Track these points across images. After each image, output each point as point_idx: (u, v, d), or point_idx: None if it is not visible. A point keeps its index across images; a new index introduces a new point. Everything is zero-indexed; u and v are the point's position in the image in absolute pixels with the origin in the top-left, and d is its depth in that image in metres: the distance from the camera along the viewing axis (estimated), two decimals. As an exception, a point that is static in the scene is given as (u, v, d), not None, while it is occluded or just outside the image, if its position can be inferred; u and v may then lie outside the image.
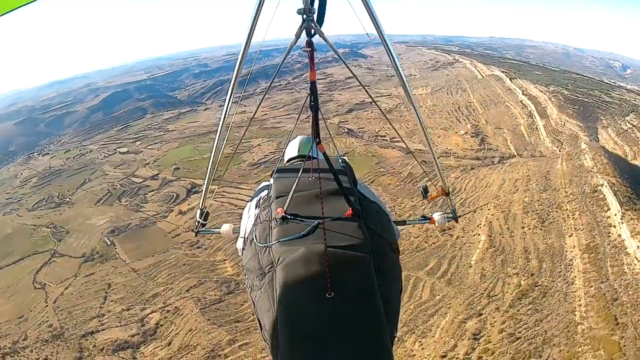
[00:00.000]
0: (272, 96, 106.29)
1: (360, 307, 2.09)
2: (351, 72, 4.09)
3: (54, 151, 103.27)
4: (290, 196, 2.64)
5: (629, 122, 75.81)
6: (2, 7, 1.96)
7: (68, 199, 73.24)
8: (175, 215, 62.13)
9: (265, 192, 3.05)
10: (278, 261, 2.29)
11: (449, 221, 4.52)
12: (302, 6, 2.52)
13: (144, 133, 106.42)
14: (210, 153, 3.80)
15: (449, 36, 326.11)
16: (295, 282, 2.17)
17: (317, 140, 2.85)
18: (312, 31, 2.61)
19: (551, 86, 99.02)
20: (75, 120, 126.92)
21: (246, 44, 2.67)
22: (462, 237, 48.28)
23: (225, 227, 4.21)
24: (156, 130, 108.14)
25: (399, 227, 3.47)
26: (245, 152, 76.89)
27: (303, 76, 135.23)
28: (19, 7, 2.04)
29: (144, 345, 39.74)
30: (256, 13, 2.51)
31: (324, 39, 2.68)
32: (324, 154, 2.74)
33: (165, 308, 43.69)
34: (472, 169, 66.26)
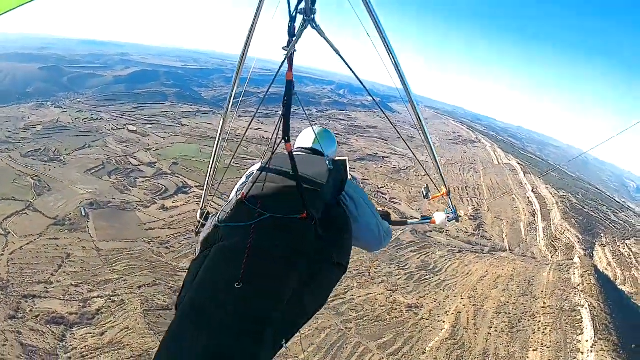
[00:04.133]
0: (291, 124, 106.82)
1: (255, 306, 2.11)
2: (354, 73, 3.66)
3: (67, 107, 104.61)
4: (252, 183, 2.73)
5: (628, 246, 74.82)
6: (2, 6, 1.98)
7: (62, 158, 73.32)
8: (157, 209, 61.34)
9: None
10: (217, 242, 2.43)
11: (449, 221, 4.55)
12: (302, 7, 2.53)
13: (158, 119, 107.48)
14: (213, 151, 3.90)
15: (479, 114, 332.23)
16: (217, 265, 2.29)
17: (286, 138, 2.68)
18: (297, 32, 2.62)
19: (562, 191, 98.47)
20: (98, 84, 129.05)
21: (245, 46, 2.78)
22: (427, 319, 46.77)
23: None
24: (170, 119, 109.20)
25: (400, 227, 3.77)
26: (246, 168, 76.00)
27: (328, 112, 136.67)
28: (19, 6, 2.06)
29: (78, 327, 38.41)
30: (256, 13, 2.64)
31: (325, 38, 2.76)
32: (290, 152, 2.57)
33: (112, 297, 42.46)
34: (460, 251, 64.97)
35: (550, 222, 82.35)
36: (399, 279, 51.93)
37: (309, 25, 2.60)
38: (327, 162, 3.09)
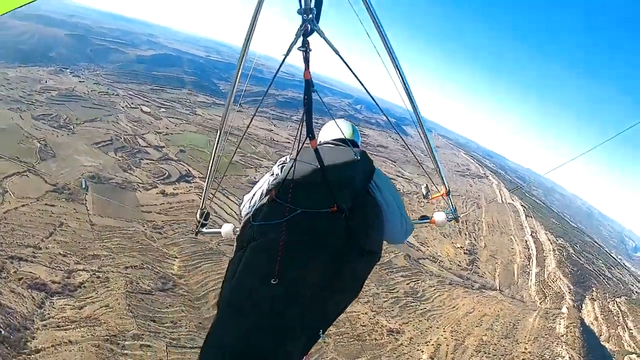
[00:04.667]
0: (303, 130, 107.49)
1: (288, 303, 2.14)
2: (353, 73, 3.57)
3: (85, 77, 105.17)
4: (282, 180, 2.81)
5: (617, 303, 74.59)
6: (2, 6, 2.00)
7: (71, 127, 73.39)
8: (157, 193, 61.20)
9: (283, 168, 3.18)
10: (252, 241, 2.49)
11: (450, 221, 4.45)
12: (302, 6, 2.51)
13: (173, 104, 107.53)
14: (213, 150, 3.87)
15: (491, 151, 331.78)
16: (252, 264, 2.35)
17: (311, 135, 2.71)
18: (308, 31, 2.58)
19: (560, 239, 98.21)
20: (120, 60, 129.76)
21: (247, 40, 2.77)
22: (407, 346, 46.29)
23: (227, 228, 4.08)
24: (185, 107, 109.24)
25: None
26: (252, 167, 76.23)
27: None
28: (20, 6, 2.08)
29: (58, 296, 38.07)
30: (256, 12, 2.63)
31: (324, 38, 2.74)
32: (315, 149, 2.61)
33: (97, 273, 42.13)
34: (450, 284, 64.52)
35: (544, 268, 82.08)
36: (385, 301, 51.53)
37: (308, 26, 2.56)
38: (354, 152, 3.18)
